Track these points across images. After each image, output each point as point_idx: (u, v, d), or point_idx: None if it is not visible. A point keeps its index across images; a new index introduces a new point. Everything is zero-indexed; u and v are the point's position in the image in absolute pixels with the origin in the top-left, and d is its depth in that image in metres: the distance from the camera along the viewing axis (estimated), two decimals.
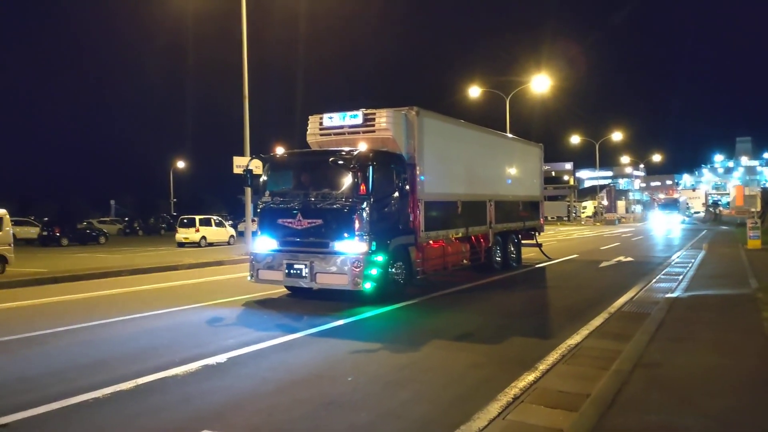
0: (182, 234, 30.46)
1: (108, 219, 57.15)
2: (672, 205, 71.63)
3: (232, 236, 32.29)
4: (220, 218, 34.64)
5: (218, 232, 31.65)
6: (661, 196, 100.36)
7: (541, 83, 38.57)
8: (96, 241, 35.14)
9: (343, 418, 5.04)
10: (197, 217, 31.16)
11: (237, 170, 21.04)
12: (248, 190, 21.37)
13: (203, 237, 30.25)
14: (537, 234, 19.30)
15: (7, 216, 17.09)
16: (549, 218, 70.71)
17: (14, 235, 35.02)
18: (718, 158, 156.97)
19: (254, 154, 14.06)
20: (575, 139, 70.86)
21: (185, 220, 31.41)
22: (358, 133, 12.02)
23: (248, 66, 22.19)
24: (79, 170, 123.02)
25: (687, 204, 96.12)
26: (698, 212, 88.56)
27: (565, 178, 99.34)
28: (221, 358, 6.99)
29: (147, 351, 7.50)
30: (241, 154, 21.99)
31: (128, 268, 17.54)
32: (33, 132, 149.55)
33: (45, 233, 33.74)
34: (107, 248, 30.98)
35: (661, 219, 64.80)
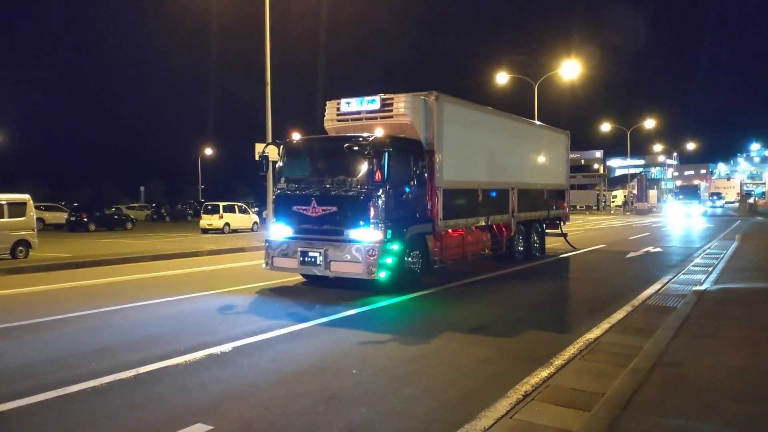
0: (206, 220, 30.58)
1: (137, 205, 57.87)
2: (692, 192, 59.70)
3: (255, 223, 32.31)
4: (244, 205, 34.70)
5: (242, 219, 31.71)
6: (678, 182, 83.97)
7: (570, 69, 37.64)
8: (123, 227, 35.52)
9: (342, 415, 4.82)
10: (221, 204, 31.26)
11: (259, 157, 20.92)
12: (270, 177, 21.26)
13: (227, 223, 30.32)
14: (562, 223, 18.86)
15: (31, 202, 17.25)
16: (578, 207, 69.69)
17: (43, 220, 36.17)
18: (755, 147, 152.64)
19: (271, 141, 13.87)
20: (606, 127, 69.22)
21: (209, 207, 31.53)
22: (376, 118, 11.74)
23: (271, 54, 22.01)
24: (111, 157, 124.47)
25: (712, 192, 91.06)
26: (731, 201, 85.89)
27: (595, 166, 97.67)
28: (226, 347, 6.84)
29: (153, 338, 7.39)
30: (265, 140, 21.88)
31: (150, 253, 17.62)
32: (66, 120, 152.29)
33: (73, 218, 34.18)
34: (133, 234, 31.30)
35: (679, 211, 54.67)
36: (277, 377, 5.78)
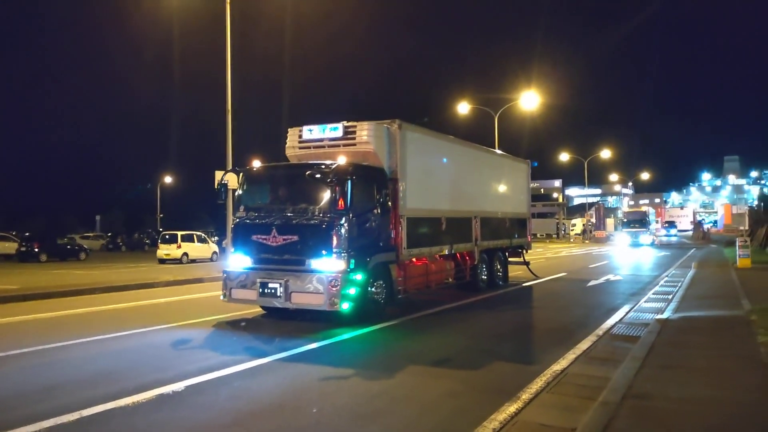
0: (164, 250, 29.83)
1: (92, 234, 56.32)
2: (639, 220, 51.62)
3: (215, 252, 31.65)
4: (203, 234, 34.02)
5: (201, 249, 31.04)
6: (625, 208, 73.31)
7: (529, 100, 38.36)
8: (76, 257, 34.37)
9: None
10: (179, 233, 30.58)
11: (217, 185, 20.53)
12: (230, 205, 20.85)
13: (185, 253, 29.63)
14: (525, 251, 18.88)
15: None
16: (538, 235, 70.49)
17: None
18: (706, 177, 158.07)
19: (230, 168, 13.56)
20: (564, 157, 70.74)
21: (167, 236, 30.82)
22: (338, 146, 11.58)
23: (235, 81, 21.76)
24: (68, 186, 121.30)
25: (666, 220, 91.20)
26: (684, 230, 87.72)
27: (554, 195, 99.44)
28: (179, 385, 6.46)
29: (101, 377, 6.95)
30: (225, 168, 21.49)
31: (102, 285, 16.95)
32: (21, 147, 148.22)
33: (24, 248, 32.94)
34: (87, 264, 30.27)
35: (625, 241, 49.56)
36: (233, 417, 5.44)
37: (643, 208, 59.08)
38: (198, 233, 33.14)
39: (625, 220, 54.20)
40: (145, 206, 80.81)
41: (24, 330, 10.35)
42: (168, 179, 69.19)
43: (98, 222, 70.78)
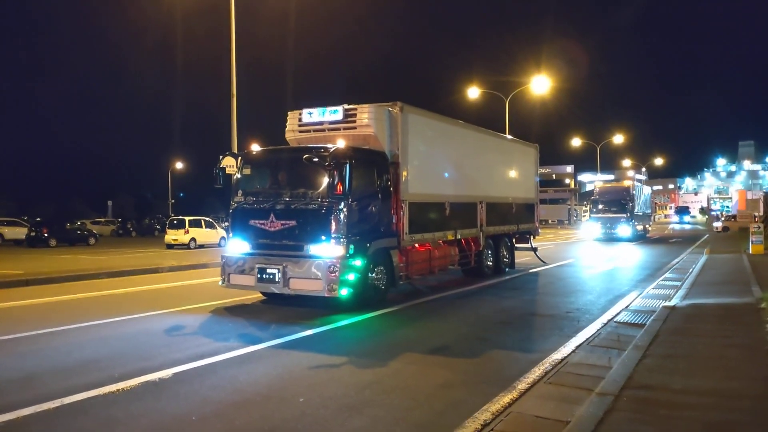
0: (171, 235, 29.79)
1: (102, 220, 56.51)
2: (616, 201, 34.86)
3: (223, 238, 31.54)
4: (210, 219, 33.94)
5: (208, 234, 30.97)
6: (597, 183, 48.73)
7: (541, 84, 37.77)
8: (85, 242, 34.43)
9: None
10: (187, 218, 30.51)
11: (229, 170, 20.42)
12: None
13: (193, 238, 29.57)
14: (532, 237, 18.61)
15: None
16: (549, 222, 70.09)
17: (2, 235, 34.90)
18: (721, 162, 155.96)
19: (228, 152, 13.36)
20: (576, 142, 70.05)
21: (175, 222, 30.76)
22: (339, 129, 11.34)
23: (239, 65, 21.55)
24: (79, 171, 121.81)
25: (679, 206, 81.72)
26: (694, 216, 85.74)
27: (566, 181, 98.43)
28: (166, 373, 6.29)
29: (88, 364, 6.80)
30: (231, 153, 21.30)
31: (106, 270, 16.88)
32: (33, 133, 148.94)
33: (33, 234, 33.02)
34: (95, 249, 30.29)
35: (595, 233, 34.95)
36: (215, 408, 5.26)
37: (625, 183, 39.50)
38: (206, 218, 33.06)
39: (596, 202, 36.47)
40: (157, 191, 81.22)
41: (20, 315, 10.24)
42: (179, 165, 69.33)
43: (110, 207, 71.05)
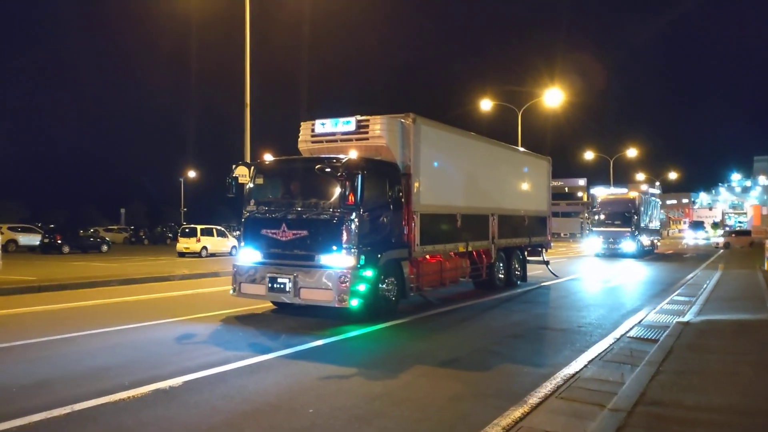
0: (183, 244, 29.93)
1: (115, 227, 56.90)
2: (620, 214, 32.16)
3: (234, 246, 31.67)
4: (222, 228, 34.08)
5: (220, 242, 31.09)
6: (601, 195, 46.78)
7: (554, 97, 37.68)
8: (98, 249, 34.69)
9: None
10: (198, 227, 30.66)
11: (242, 180, 20.54)
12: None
13: (204, 247, 29.70)
14: (544, 250, 18.50)
15: None
16: (562, 235, 69.70)
17: (17, 241, 35.24)
18: (736, 177, 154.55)
19: (240, 161, 13.45)
20: (589, 155, 69.64)
21: (187, 230, 30.92)
22: (351, 140, 11.38)
23: (253, 74, 21.70)
24: (93, 179, 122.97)
25: (694, 221, 79.59)
26: (706, 231, 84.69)
27: (579, 194, 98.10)
28: (176, 381, 6.30)
29: (99, 371, 6.83)
30: (245, 162, 21.42)
31: (119, 277, 16.98)
32: (48, 139, 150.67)
33: (46, 240, 33.32)
34: (108, 257, 30.50)
35: (595, 248, 32.37)
36: (225, 417, 5.26)
37: (631, 194, 36.13)
38: (218, 227, 33.20)
39: (598, 214, 33.60)
40: (169, 199, 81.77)
41: (32, 322, 10.32)
42: (191, 173, 69.82)
43: (123, 215, 71.50)
